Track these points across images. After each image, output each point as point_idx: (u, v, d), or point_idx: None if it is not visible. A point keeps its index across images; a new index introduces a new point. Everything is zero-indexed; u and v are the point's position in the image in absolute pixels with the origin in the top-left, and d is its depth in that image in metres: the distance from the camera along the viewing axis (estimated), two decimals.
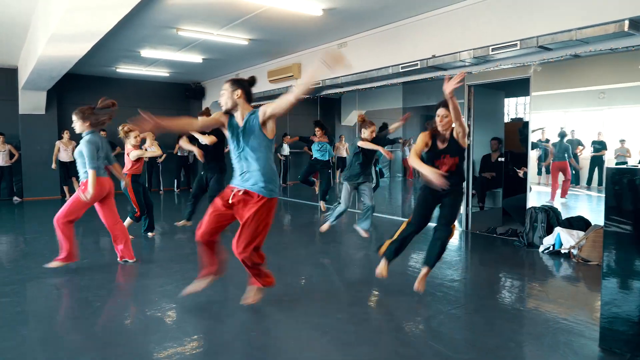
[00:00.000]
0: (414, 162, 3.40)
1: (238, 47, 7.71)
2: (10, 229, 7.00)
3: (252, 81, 3.14)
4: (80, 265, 4.60)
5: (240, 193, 3.05)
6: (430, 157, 3.55)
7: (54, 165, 9.59)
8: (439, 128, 3.51)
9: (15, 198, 9.76)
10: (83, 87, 10.62)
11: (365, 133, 5.22)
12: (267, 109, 3.00)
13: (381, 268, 3.67)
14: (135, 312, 3.33)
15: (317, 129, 7.57)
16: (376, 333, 2.95)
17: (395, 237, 3.66)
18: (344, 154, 13.06)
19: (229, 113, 3.08)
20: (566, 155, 5.79)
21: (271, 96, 9.92)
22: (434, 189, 3.41)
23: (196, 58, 8.68)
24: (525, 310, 3.36)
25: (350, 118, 13.40)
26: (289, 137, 12.35)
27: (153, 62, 9.18)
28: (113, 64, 9.36)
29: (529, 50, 5.04)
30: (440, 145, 3.55)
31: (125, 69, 9.80)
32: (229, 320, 3.17)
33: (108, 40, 6.57)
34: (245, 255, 3.07)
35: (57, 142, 9.64)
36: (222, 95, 3.06)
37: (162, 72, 10.42)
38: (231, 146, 3.12)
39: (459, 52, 5.55)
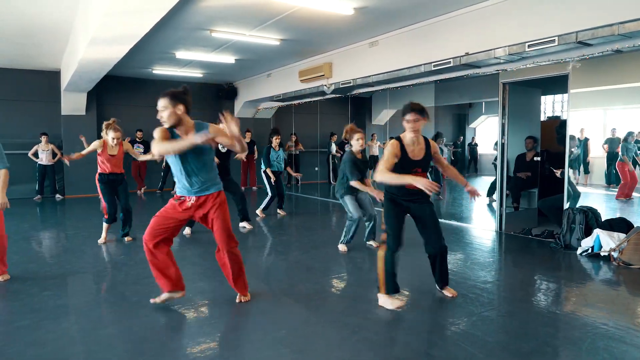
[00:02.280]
0: (386, 177, 3.08)
1: (270, 47, 7.79)
2: (52, 226, 7.32)
3: (186, 91, 3.08)
4: (117, 260, 4.77)
5: (193, 202, 3.16)
6: (398, 170, 3.17)
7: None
8: (409, 133, 3.23)
9: (57, 195, 10.18)
10: (121, 88, 11.01)
11: (356, 146, 4.91)
12: (220, 136, 3.04)
13: (395, 303, 3.30)
14: (169, 308, 3.40)
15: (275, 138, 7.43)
16: (407, 334, 2.93)
17: (383, 271, 3.31)
18: (377, 152, 13.06)
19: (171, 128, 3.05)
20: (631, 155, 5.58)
21: (302, 95, 10.00)
22: (400, 201, 3.31)
23: (229, 59, 8.82)
24: (561, 314, 3.26)
25: (381, 117, 13.33)
26: (335, 136, 12.46)
27: (187, 63, 9.39)
28: (149, 65, 9.64)
29: (567, 47, 4.88)
30: (412, 156, 3.25)
31: (161, 70, 10.06)
32: (259, 318, 3.20)
33: (145, 43, 6.75)
34: (234, 245, 3.26)
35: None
36: (164, 112, 3.00)
37: (196, 73, 10.65)
38: (174, 159, 3.10)
39: (494, 49, 5.43)
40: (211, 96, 12.39)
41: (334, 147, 12.66)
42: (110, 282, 4.08)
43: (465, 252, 5.07)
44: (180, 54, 8.36)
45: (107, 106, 11.01)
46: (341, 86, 8.30)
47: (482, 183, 13.53)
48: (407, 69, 6.73)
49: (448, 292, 3.55)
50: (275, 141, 7.41)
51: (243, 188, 11.90)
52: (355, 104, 12.58)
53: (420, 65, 6.46)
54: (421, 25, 6.40)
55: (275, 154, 7.44)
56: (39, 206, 9.16)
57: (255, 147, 11.83)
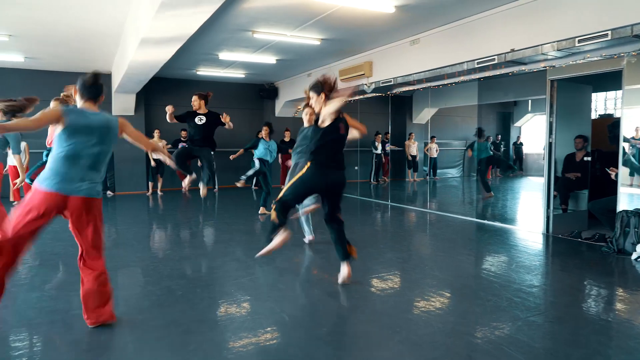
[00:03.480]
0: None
1: (310, 47, 7.84)
2: (104, 221, 7.65)
3: (90, 79, 2.93)
4: (164, 255, 4.95)
5: (79, 200, 2.76)
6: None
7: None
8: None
9: (108, 192, 10.66)
10: (167, 89, 11.38)
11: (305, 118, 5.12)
12: (130, 132, 3.09)
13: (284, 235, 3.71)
14: (213, 302, 3.51)
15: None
16: (448, 336, 2.88)
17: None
18: (414, 152, 12.91)
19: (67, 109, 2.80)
20: None
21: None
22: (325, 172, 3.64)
23: (270, 59, 8.94)
24: (614, 322, 3.11)
25: (422, 116, 13.15)
26: (380, 135, 12.46)
27: (230, 64, 9.59)
28: (194, 66, 9.91)
29: (621, 41, 4.64)
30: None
31: (205, 71, 10.33)
32: (301, 315, 3.25)
33: (190, 45, 6.96)
34: (103, 262, 2.95)
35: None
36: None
37: (239, 74, 10.86)
38: (64, 142, 2.73)
39: (541, 44, 5.24)
40: (252, 96, 12.61)
41: (379, 146, 12.64)
42: (157, 276, 4.22)
43: (510, 255, 4.93)
44: (223, 55, 8.55)
45: (154, 106, 11.43)
46: (381, 85, 8.25)
47: (528, 184, 13.10)
48: (449, 67, 6.60)
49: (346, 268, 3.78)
50: (265, 132, 7.66)
51: (282, 186, 12.05)
52: (395, 103, 12.46)
53: (463, 62, 6.33)
54: (464, 22, 6.27)
55: (266, 143, 7.59)
56: None
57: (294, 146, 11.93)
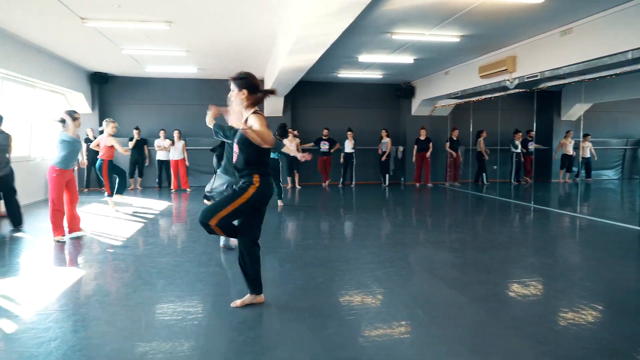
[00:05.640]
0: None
1: (449, 44, 7.75)
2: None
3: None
4: (305, 244, 5.39)
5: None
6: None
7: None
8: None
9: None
10: (310, 91, 12.22)
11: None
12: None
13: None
14: (350, 291, 3.71)
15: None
16: (603, 355, 2.62)
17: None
18: (571, 151, 11.82)
19: None
20: None
21: (482, 92, 9.64)
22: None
23: (408, 59, 9.03)
24: None
25: (573, 112, 11.97)
26: (520, 133, 11.85)
27: (369, 65, 9.92)
28: (335, 70, 10.47)
29: None
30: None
31: (345, 73, 10.83)
32: (435, 313, 3.26)
33: (332, 49, 7.40)
34: None
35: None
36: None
37: (376, 75, 11.14)
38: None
39: None
40: (389, 95, 12.82)
41: (519, 145, 11.89)
42: (300, 262, 4.58)
43: None
44: (363, 57, 8.89)
45: (300, 108, 12.39)
46: (526, 80, 7.77)
47: None
48: (608, 57, 5.98)
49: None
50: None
51: (418, 184, 12.06)
52: (541, 99, 11.55)
53: (627, 51, 5.68)
54: (629, 6, 5.62)
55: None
56: None
57: (430, 144, 11.85)
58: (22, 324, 2.98)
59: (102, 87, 11.31)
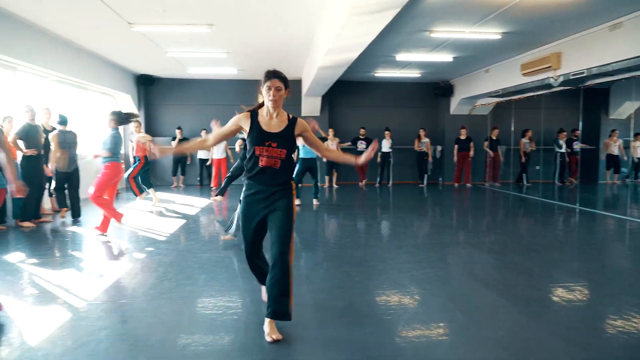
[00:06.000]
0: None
1: (490, 42, 7.58)
2: None
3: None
4: (342, 243, 5.42)
5: None
6: (250, 143, 2.82)
7: None
8: (270, 103, 2.81)
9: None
10: (347, 91, 12.25)
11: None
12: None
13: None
14: (387, 290, 3.72)
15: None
16: None
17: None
18: (616, 152, 11.32)
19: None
20: None
21: (524, 90, 9.37)
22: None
23: (447, 57, 8.90)
24: None
25: (622, 110, 11.43)
26: (565, 132, 11.50)
27: (406, 64, 9.84)
28: (372, 69, 10.44)
29: None
30: (267, 128, 2.83)
31: (382, 72, 10.79)
32: (474, 315, 3.22)
33: (369, 49, 7.39)
34: None
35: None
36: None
37: (414, 73, 11.03)
38: None
39: None
40: (427, 94, 12.66)
41: (563, 145, 11.49)
42: (338, 261, 4.63)
43: None
44: (400, 57, 8.83)
45: (337, 107, 12.45)
46: (571, 77, 7.50)
47: None
48: None
49: (268, 329, 2.75)
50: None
51: (456, 184, 11.87)
52: (587, 97, 11.10)
53: None
54: None
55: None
56: None
57: (471, 143, 11.63)
58: (76, 313, 3.16)
59: (148, 88, 11.77)
